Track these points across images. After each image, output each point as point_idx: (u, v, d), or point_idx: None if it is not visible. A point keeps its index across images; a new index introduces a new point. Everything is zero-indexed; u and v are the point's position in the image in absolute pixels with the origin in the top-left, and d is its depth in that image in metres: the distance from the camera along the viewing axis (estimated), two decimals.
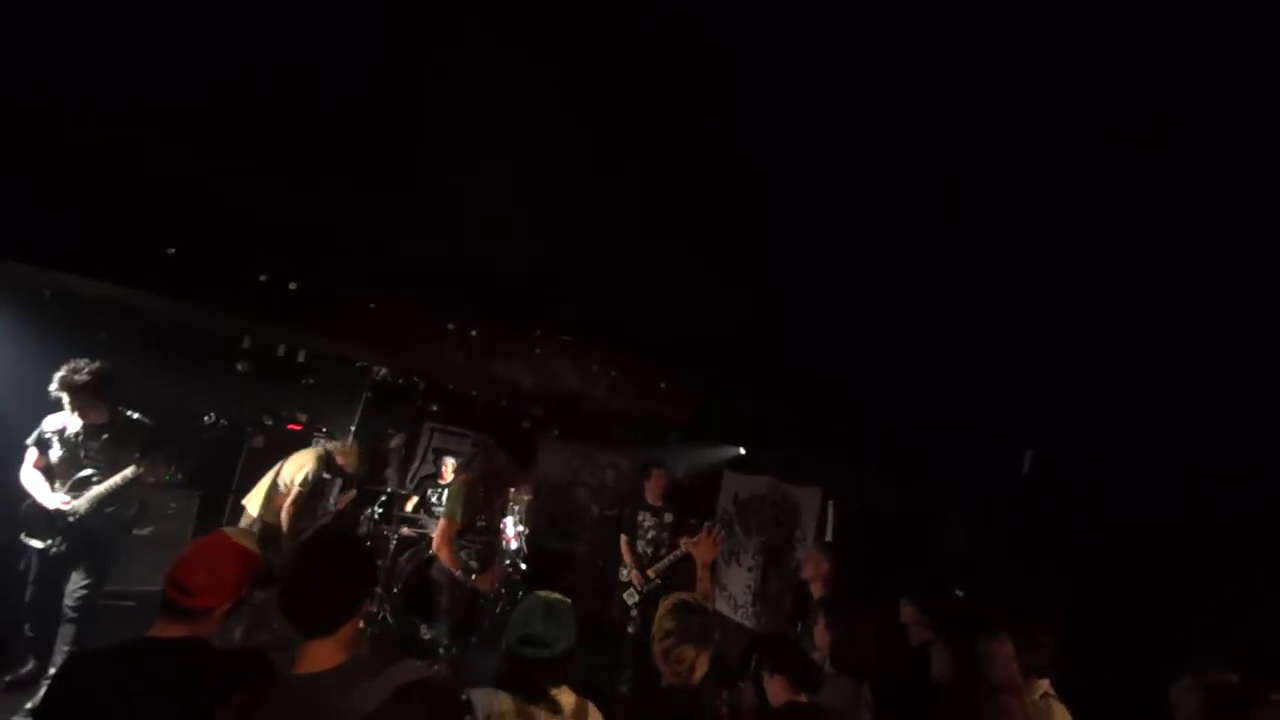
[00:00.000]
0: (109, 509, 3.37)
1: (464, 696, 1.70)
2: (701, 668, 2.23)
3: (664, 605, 2.33)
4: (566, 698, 1.89)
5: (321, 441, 6.46)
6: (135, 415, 3.51)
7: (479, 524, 3.74)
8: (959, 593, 4.22)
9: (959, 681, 2.16)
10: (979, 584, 4.44)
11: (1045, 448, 4.35)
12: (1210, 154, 1.94)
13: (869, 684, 2.82)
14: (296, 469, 4.63)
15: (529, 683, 1.85)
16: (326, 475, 4.85)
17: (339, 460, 4.88)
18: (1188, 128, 1.87)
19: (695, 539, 3.24)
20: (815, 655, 2.99)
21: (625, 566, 5.26)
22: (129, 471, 3.31)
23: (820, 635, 3.02)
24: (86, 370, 3.31)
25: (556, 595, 1.98)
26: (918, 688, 2.70)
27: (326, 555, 1.64)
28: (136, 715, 1.51)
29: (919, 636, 3.09)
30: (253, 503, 4.60)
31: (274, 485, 4.61)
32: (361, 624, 1.70)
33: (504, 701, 1.80)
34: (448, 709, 1.32)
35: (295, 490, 4.56)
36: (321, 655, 1.55)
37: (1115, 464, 3.99)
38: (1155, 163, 2.04)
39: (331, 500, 5.81)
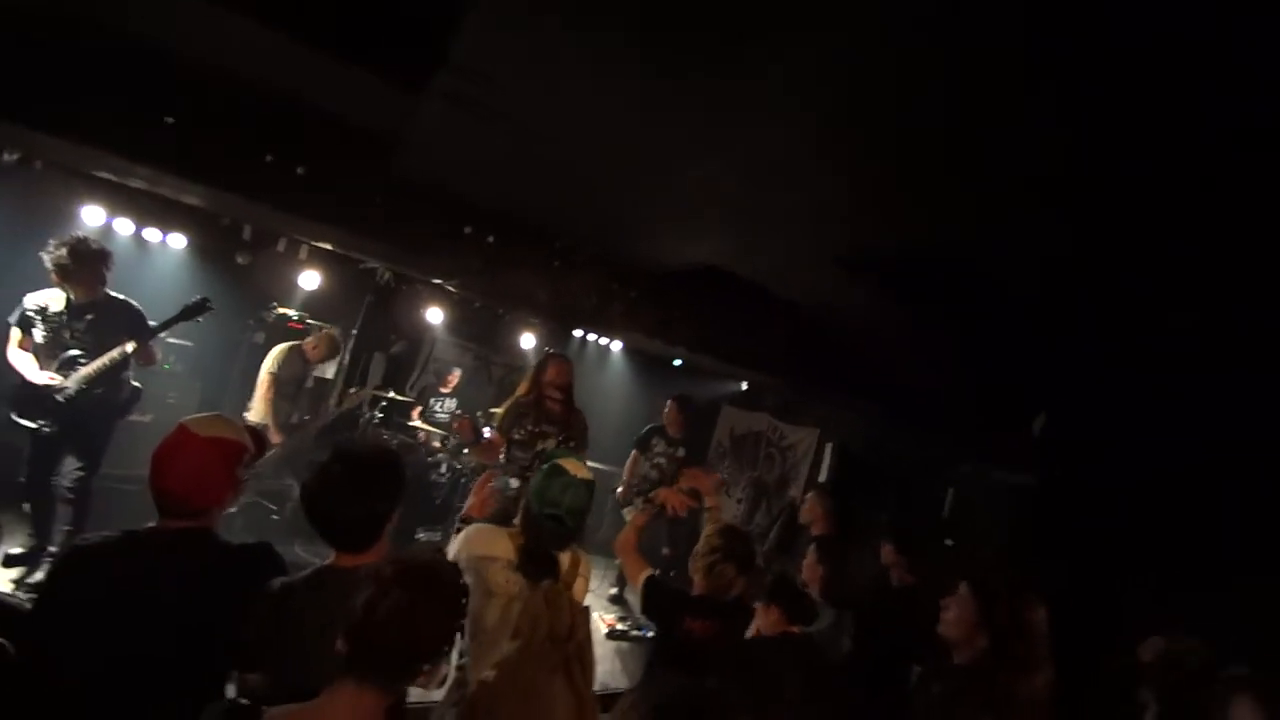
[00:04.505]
0: (98, 390, 3.29)
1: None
2: (737, 588, 2.35)
3: (711, 527, 2.48)
4: (563, 555, 1.99)
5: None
6: (121, 297, 3.39)
7: (517, 436, 3.74)
8: (948, 542, 4.23)
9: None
10: (958, 538, 4.47)
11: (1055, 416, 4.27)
12: None
13: (853, 616, 2.86)
14: (267, 360, 4.68)
15: (546, 556, 1.94)
16: (298, 365, 4.81)
17: (308, 350, 4.84)
18: None
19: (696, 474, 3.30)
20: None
21: (620, 485, 5.27)
22: (116, 353, 3.21)
23: (810, 569, 3.05)
24: (92, 242, 3.20)
25: (582, 471, 1.99)
26: (898, 624, 2.74)
27: (350, 474, 1.55)
28: (144, 604, 1.47)
29: (899, 578, 3.14)
30: (253, 410, 4.65)
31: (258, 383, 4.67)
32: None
33: (513, 579, 1.90)
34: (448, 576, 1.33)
35: (262, 379, 4.62)
36: (355, 560, 1.55)
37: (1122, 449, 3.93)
38: None
39: (333, 400, 5.79)
